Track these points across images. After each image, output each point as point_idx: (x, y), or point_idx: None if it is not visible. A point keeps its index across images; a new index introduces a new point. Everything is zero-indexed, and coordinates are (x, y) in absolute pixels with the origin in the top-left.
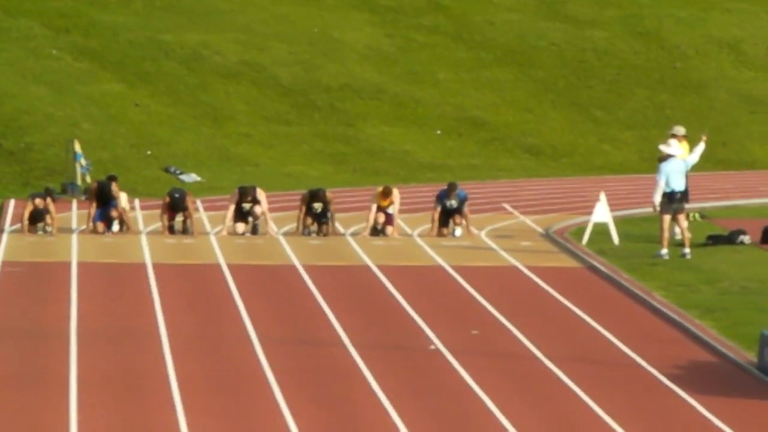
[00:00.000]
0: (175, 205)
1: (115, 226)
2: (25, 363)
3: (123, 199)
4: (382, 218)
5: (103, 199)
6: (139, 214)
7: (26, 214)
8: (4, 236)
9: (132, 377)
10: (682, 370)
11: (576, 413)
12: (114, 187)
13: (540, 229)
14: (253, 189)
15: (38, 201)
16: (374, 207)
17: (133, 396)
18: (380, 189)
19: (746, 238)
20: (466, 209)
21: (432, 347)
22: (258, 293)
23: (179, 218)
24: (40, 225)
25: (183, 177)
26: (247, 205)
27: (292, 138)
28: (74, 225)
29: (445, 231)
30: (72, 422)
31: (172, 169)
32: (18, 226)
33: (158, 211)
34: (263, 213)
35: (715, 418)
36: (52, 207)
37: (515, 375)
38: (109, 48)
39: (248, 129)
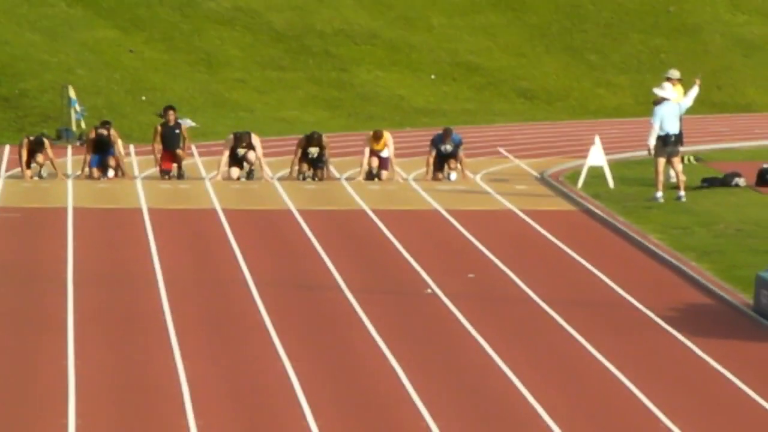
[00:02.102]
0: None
1: (111, 172)
2: (22, 305)
3: (119, 144)
4: (375, 162)
5: (99, 146)
6: (134, 160)
7: (24, 153)
8: (0, 182)
9: (128, 319)
10: (677, 313)
11: (571, 355)
12: (111, 132)
13: (535, 173)
14: (248, 135)
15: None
16: (367, 151)
17: (130, 338)
18: (372, 133)
19: (741, 181)
20: (461, 153)
21: (428, 291)
22: (254, 238)
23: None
24: (34, 167)
25: (179, 121)
26: (241, 151)
27: (287, 83)
28: (69, 171)
29: (440, 175)
30: (69, 362)
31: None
32: (14, 171)
33: (149, 158)
34: (258, 158)
35: (710, 359)
36: (50, 150)
37: (511, 318)
38: None
39: (242, 74)
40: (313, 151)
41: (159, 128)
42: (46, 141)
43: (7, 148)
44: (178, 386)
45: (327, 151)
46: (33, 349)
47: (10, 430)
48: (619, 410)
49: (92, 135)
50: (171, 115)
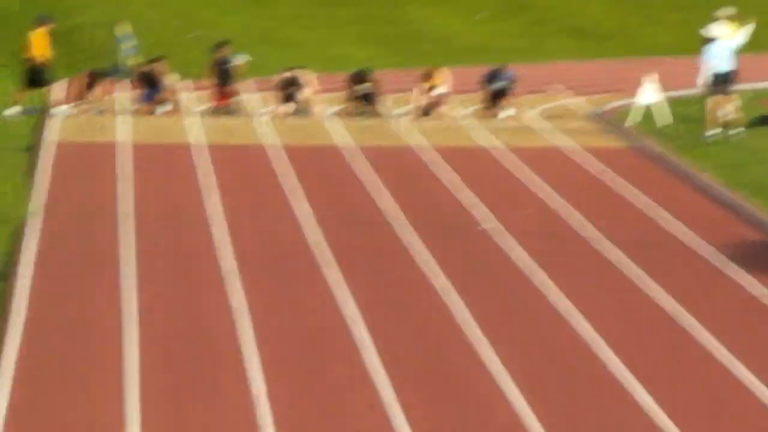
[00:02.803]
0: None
1: (164, 107)
2: (79, 240)
3: (172, 79)
4: (429, 100)
5: (148, 81)
6: (189, 95)
7: (78, 88)
8: (54, 117)
9: (186, 256)
10: (733, 249)
11: (627, 290)
12: (162, 68)
13: (588, 110)
14: (298, 72)
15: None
16: (421, 87)
17: (187, 274)
18: (425, 70)
19: None
20: (513, 90)
21: (485, 227)
22: (308, 173)
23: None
24: (87, 101)
25: (232, 57)
26: (293, 88)
27: (338, 20)
28: (124, 105)
29: (493, 112)
30: (130, 298)
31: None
32: (67, 106)
33: (200, 92)
34: (310, 94)
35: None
36: (104, 85)
37: (567, 253)
38: None
39: (294, 11)
40: (364, 87)
41: (212, 63)
42: (101, 76)
43: (60, 83)
44: (238, 323)
45: (377, 87)
46: (89, 287)
47: (69, 367)
48: (682, 350)
49: (142, 69)
50: (224, 50)
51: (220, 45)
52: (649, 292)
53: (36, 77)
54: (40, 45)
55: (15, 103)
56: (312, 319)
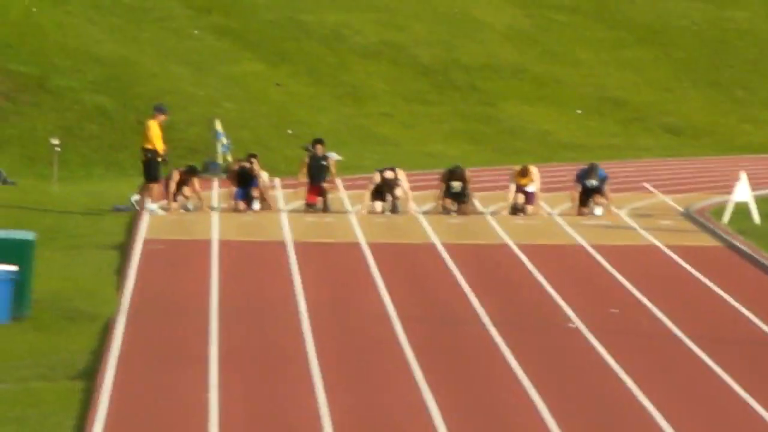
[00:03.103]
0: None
1: (256, 205)
2: (167, 337)
3: (264, 177)
4: (521, 198)
5: (243, 178)
6: (279, 193)
7: (173, 185)
8: (146, 214)
9: (271, 353)
10: None
11: (714, 393)
12: (255, 165)
13: (680, 208)
14: (393, 169)
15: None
16: (513, 186)
17: (273, 371)
18: (518, 168)
19: None
20: (606, 188)
21: (571, 325)
22: (397, 271)
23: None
24: (180, 199)
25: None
26: (386, 187)
27: (432, 117)
28: (215, 203)
29: (585, 210)
30: (213, 395)
31: (309, 147)
32: (161, 203)
33: (294, 191)
34: (405, 192)
35: None
36: (197, 183)
37: (655, 354)
38: (249, 27)
39: (388, 108)
40: (456, 185)
41: (306, 160)
42: (196, 182)
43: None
44: (320, 421)
45: (469, 185)
46: (178, 383)
47: None
48: None
49: (236, 167)
50: (319, 148)
51: (315, 143)
52: (736, 389)
53: (152, 170)
54: (154, 135)
55: (147, 196)
56: (394, 416)
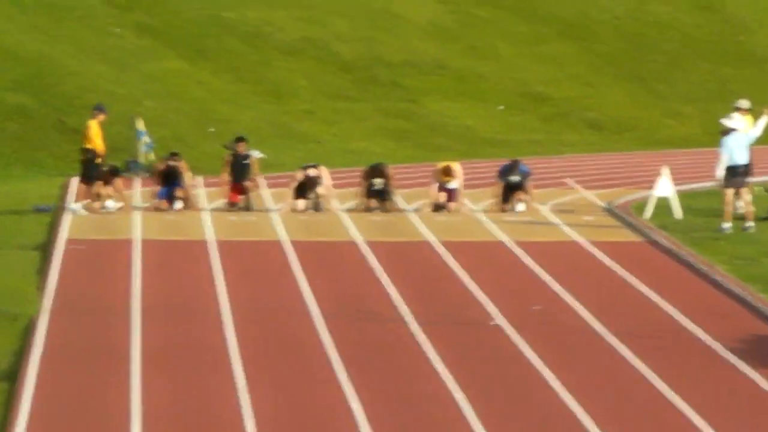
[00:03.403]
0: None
1: (178, 204)
2: (90, 336)
3: (187, 176)
4: (443, 198)
5: (168, 178)
6: (202, 191)
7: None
8: (67, 214)
9: (194, 351)
10: (743, 343)
11: (635, 386)
12: (179, 164)
13: (602, 204)
14: (315, 166)
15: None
16: (435, 185)
17: (196, 369)
18: (441, 166)
19: None
20: (528, 184)
21: (493, 322)
22: (320, 269)
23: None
24: (102, 198)
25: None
26: (308, 184)
27: (354, 114)
28: (138, 202)
29: (507, 206)
30: (135, 395)
31: (229, 145)
32: (84, 202)
33: (216, 189)
34: (327, 190)
35: None
36: (119, 182)
37: (576, 349)
38: (171, 25)
39: (310, 106)
40: (378, 182)
41: (228, 159)
42: (118, 182)
43: (75, 180)
44: (241, 417)
45: (392, 182)
46: (99, 380)
47: None
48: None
49: (161, 166)
50: (241, 146)
51: (238, 141)
52: (656, 383)
53: (91, 170)
54: (95, 135)
55: (80, 198)
56: (317, 411)
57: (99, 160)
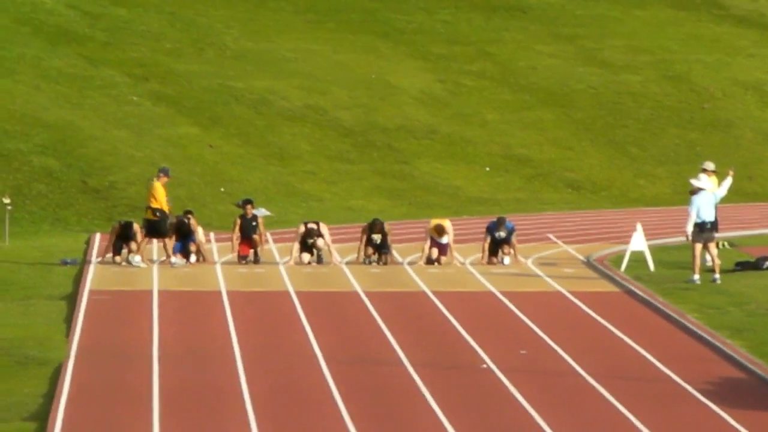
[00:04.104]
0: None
1: (192, 258)
2: (112, 380)
3: (200, 232)
4: (435, 253)
5: (182, 233)
6: (214, 246)
7: (112, 238)
8: (92, 267)
9: (209, 394)
10: (713, 386)
11: (616, 426)
12: (192, 221)
13: (582, 257)
14: (317, 224)
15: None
16: (428, 240)
17: (210, 412)
18: (433, 224)
19: None
20: (514, 239)
21: (484, 366)
22: (323, 317)
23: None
24: (123, 253)
25: (254, 212)
26: (310, 240)
27: (353, 175)
28: (155, 257)
29: (494, 260)
30: None
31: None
32: (104, 257)
33: (229, 243)
34: (327, 244)
35: (743, 429)
36: (139, 235)
37: (560, 391)
38: (184, 94)
39: (312, 167)
40: (377, 237)
41: (238, 220)
42: (135, 226)
43: (97, 236)
44: None
45: (389, 237)
46: (121, 420)
47: None
48: None
49: (174, 221)
50: (249, 208)
51: (245, 203)
52: (634, 422)
53: (158, 228)
54: (162, 196)
55: (138, 251)
56: None
57: (164, 217)
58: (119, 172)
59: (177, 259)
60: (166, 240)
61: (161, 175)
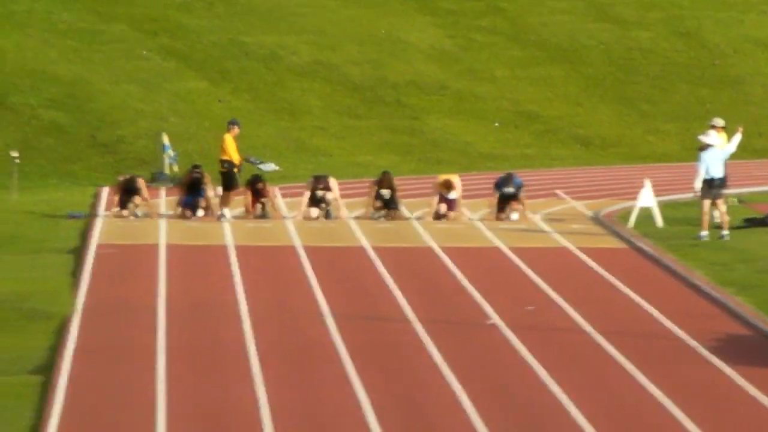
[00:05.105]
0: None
1: (201, 212)
2: (118, 334)
3: (209, 187)
4: (444, 208)
5: (192, 188)
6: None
7: (117, 192)
8: (99, 220)
9: (216, 350)
10: (720, 343)
11: (621, 382)
12: (203, 176)
13: (590, 213)
14: (326, 177)
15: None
16: (437, 196)
17: (216, 366)
18: (441, 179)
19: None
20: (522, 195)
21: (490, 322)
22: (330, 273)
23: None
24: (130, 207)
25: (262, 166)
26: (320, 192)
27: (362, 131)
28: (163, 210)
29: (502, 215)
30: (160, 389)
31: (253, 159)
32: (114, 210)
33: (241, 198)
34: (335, 199)
35: (750, 385)
36: (144, 191)
37: (566, 347)
38: (194, 49)
39: (322, 122)
40: (386, 192)
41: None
42: (140, 181)
43: (105, 190)
44: (258, 411)
45: (397, 193)
46: (127, 375)
47: None
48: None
49: (186, 178)
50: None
51: (247, 158)
52: (639, 379)
53: (231, 180)
54: (232, 148)
55: (225, 206)
56: (328, 406)
57: (236, 170)
58: (128, 126)
59: (227, 212)
60: (229, 192)
61: (231, 127)
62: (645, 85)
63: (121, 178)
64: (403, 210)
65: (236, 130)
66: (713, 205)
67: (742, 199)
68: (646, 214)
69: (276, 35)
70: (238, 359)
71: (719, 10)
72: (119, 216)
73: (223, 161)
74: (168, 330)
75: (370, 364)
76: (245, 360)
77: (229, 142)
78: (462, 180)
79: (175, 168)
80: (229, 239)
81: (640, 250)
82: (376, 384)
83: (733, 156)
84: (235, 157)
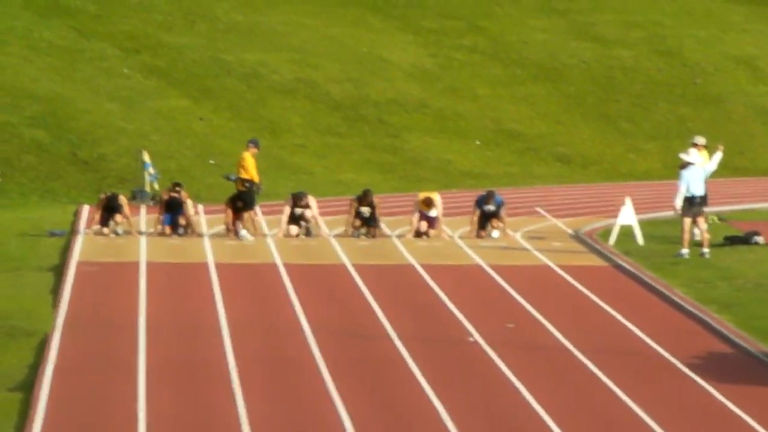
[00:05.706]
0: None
1: (181, 230)
2: (99, 351)
3: (189, 205)
4: (424, 226)
5: (172, 206)
6: (202, 218)
7: (98, 210)
8: (80, 238)
9: (195, 365)
10: (701, 360)
11: (602, 399)
12: (182, 194)
13: (570, 231)
14: (305, 195)
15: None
16: (417, 213)
17: (197, 383)
18: (422, 197)
19: (760, 239)
20: (503, 213)
21: (471, 339)
22: (311, 290)
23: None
24: (111, 225)
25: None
26: (299, 210)
27: (343, 148)
28: (143, 228)
29: (483, 233)
30: (140, 406)
31: (233, 177)
32: (95, 228)
33: (214, 216)
34: (314, 217)
35: (731, 404)
36: (126, 209)
37: (547, 364)
38: (175, 67)
39: (303, 140)
40: (365, 210)
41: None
42: (122, 198)
43: (86, 208)
44: (239, 427)
45: (378, 210)
46: (108, 392)
47: None
48: None
49: (165, 196)
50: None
51: (230, 174)
52: (621, 396)
53: (244, 198)
54: (252, 167)
55: (243, 225)
56: (310, 422)
57: (255, 189)
58: (109, 144)
59: (245, 233)
60: (251, 212)
61: (251, 146)
62: (626, 104)
63: (102, 196)
64: (384, 228)
65: (254, 149)
66: (694, 222)
67: (722, 217)
68: (626, 232)
69: (257, 53)
70: (219, 376)
71: (700, 28)
72: (100, 233)
73: (243, 180)
74: (148, 347)
75: (351, 381)
76: (226, 376)
77: (249, 160)
78: (443, 198)
79: (156, 186)
80: (210, 257)
81: (620, 268)
82: (357, 400)
83: (713, 174)
84: (255, 176)
